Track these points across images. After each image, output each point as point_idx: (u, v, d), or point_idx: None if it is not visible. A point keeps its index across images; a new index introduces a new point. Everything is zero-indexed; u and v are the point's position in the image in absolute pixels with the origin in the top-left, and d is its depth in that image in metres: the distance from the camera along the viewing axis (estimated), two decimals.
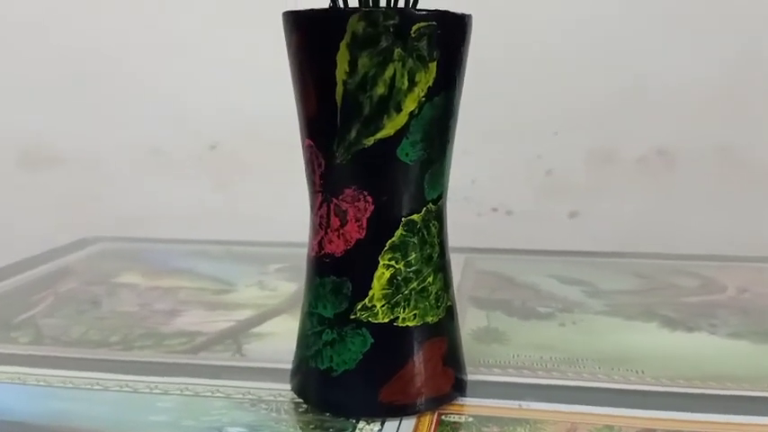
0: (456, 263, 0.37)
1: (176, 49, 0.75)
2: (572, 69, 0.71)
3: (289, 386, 0.33)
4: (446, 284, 0.31)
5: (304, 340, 0.32)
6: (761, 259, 0.56)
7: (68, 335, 0.42)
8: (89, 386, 0.34)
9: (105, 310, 0.46)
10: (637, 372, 0.35)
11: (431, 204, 0.30)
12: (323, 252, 0.31)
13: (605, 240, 0.73)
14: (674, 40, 0.69)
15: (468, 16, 0.29)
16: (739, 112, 0.70)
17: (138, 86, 0.77)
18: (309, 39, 0.28)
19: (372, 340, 0.30)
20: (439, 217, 0.31)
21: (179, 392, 0.34)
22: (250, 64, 0.72)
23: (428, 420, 0.30)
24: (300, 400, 0.32)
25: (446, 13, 0.28)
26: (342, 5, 0.29)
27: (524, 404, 0.32)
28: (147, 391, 0.34)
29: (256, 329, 0.42)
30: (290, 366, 0.34)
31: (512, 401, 0.32)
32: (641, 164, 0.74)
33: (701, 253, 0.56)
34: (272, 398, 0.33)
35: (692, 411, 0.31)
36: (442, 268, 0.31)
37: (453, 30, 0.28)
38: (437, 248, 0.31)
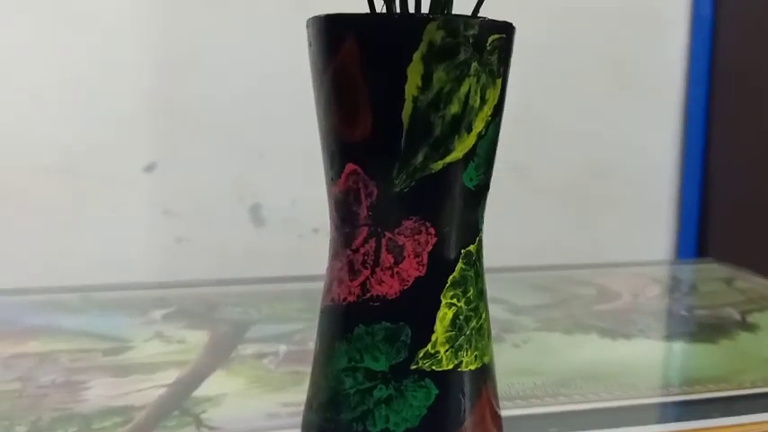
0: None
1: None
2: None
3: None
4: (490, 320, 0.29)
5: (343, 400, 0.27)
6: (630, 264, 0.61)
7: None
8: None
9: None
10: (631, 385, 0.35)
11: (481, 233, 0.28)
12: (369, 295, 0.26)
13: None
14: None
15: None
16: (531, 134, 0.76)
17: None
18: (370, 48, 0.24)
19: (437, 391, 0.26)
20: (483, 247, 0.28)
21: None
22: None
23: None
24: None
25: (510, 24, 0.26)
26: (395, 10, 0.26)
27: None
28: None
29: (199, 393, 0.36)
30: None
31: None
32: None
33: (587, 262, 0.60)
34: None
35: (711, 418, 0.32)
36: (487, 302, 0.29)
37: (512, 43, 0.26)
38: (485, 281, 0.28)
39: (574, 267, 0.59)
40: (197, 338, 0.43)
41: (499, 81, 0.26)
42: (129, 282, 0.58)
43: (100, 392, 0.35)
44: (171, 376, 0.37)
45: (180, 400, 0.35)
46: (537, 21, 0.69)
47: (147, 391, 0.36)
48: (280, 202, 0.75)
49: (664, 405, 0.33)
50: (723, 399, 0.34)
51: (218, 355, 0.41)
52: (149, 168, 0.71)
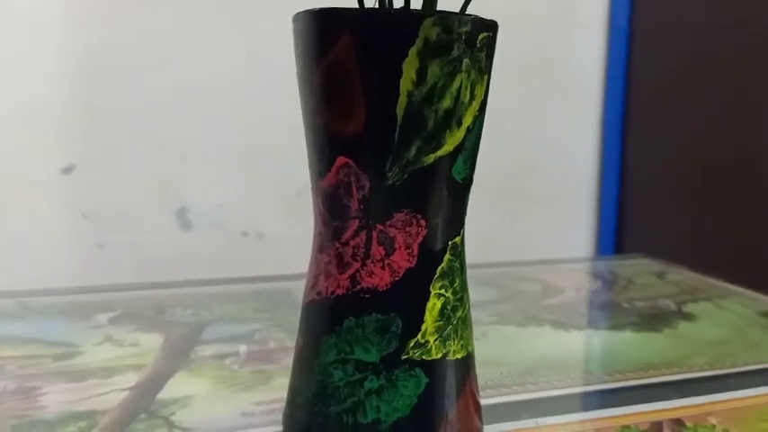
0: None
1: None
2: None
3: None
4: (471, 311, 0.30)
5: (332, 393, 0.27)
6: (569, 260, 0.64)
7: None
8: None
9: None
10: (591, 372, 0.37)
11: (464, 226, 0.28)
12: (359, 287, 0.26)
13: None
14: None
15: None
16: None
17: None
18: (366, 43, 0.24)
19: (427, 380, 0.27)
20: (465, 239, 0.29)
21: None
22: None
23: None
24: None
25: (496, 23, 0.27)
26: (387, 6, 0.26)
27: (540, 421, 0.31)
28: None
29: (164, 395, 0.34)
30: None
31: (526, 421, 0.31)
32: None
33: (519, 259, 0.62)
34: None
35: (665, 400, 0.34)
36: (469, 293, 0.29)
37: (495, 41, 0.27)
38: (466, 272, 0.29)
39: (516, 264, 0.61)
40: (150, 341, 0.42)
41: (486, 77, 0.26)
42: (69, 286, 0.55)
43: (58, 398, 0.34)
44: (130, 379, 0.36)
45: (145, 402, 0.33)
46: None
47: (108, 395, 0.34)
48: (207, 205, 0.74)
49: (624, 389, 0.35)
50: (677, 382, 0.36)
51: (176, 357, 0.39)
52: (67, 170, 0.68)
